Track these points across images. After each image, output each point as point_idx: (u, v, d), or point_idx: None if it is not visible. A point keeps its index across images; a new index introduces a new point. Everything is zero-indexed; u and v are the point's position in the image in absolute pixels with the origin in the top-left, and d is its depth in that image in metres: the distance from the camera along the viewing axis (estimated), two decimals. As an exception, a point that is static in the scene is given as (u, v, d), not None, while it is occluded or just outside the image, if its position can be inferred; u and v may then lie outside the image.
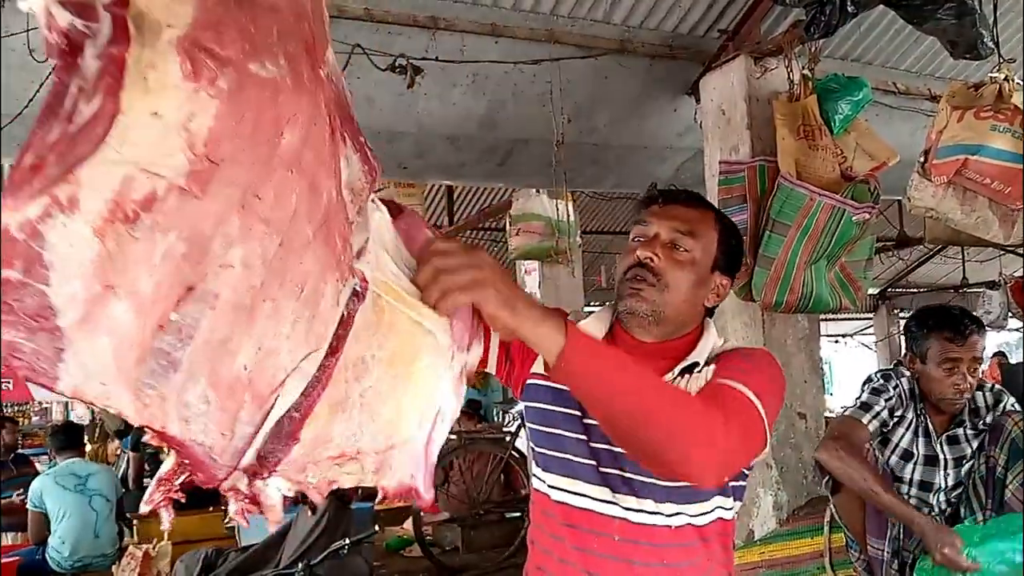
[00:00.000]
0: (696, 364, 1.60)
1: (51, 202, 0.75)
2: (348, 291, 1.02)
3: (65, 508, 5.48)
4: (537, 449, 1.67)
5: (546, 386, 1.64)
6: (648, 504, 1.54)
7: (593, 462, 1.58)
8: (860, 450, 2.79)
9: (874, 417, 2.84)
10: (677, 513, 1.55)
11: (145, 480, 7.18)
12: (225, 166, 0.85)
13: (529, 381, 1.68)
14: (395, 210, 1.19)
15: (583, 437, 1.59)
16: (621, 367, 1.25)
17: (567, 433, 1.61)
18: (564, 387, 1.38)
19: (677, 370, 1.59)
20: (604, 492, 1.56)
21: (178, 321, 0.85)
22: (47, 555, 5.49)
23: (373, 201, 1.11)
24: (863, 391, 2.95)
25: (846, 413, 2.97)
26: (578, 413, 1.60)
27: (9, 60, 3.19)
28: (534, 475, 1.70)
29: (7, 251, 0.74)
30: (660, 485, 1.53)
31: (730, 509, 1.63)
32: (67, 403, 11.19)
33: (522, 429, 7.96)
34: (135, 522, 6.20)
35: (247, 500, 1.01)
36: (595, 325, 1.68)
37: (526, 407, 1.69)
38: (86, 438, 9.00)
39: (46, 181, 0.75)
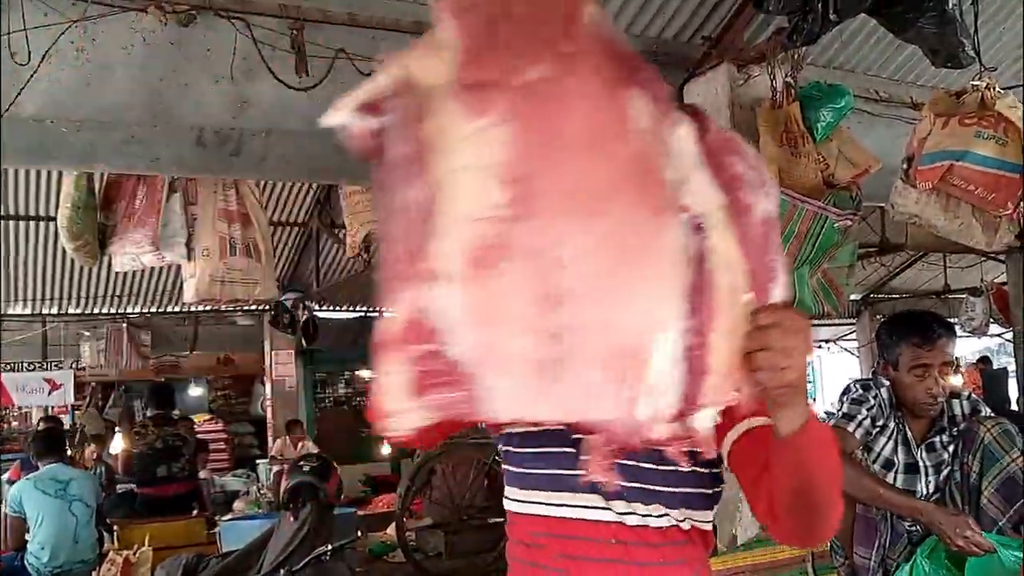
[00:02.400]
0: None
1: (421, 279, 0.90)
2: (685, 229, 1.06)
3: (44, 513, 5.43)
4: (521, 470, 1.68)
5: None
6: (639, 507, 1.58)
7: (579, 472, 1.58)
8: (852, 457, 2.80)
9: (858, 426, 2.85)
10: (664, 515, 1.58)
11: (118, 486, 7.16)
12: (534, 178, 0.93)
13: None
14: (699, 121, 1.18)
15: (572, 450, 1.59)
16: (832, 444, 1.40)
17: (555, 449, 1.62)
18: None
19: None
20: (596, 499, 1.59)
21: (548, 327, 0.94)
22: (26, 561, 5.44)
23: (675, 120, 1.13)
24: (843, 402, 2.95)
25: (830, 424, 2.97)
26: (563, 428, 1.60)
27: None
28: (513, 498, 1.71)
29: (411, 332, 0.89)
30: (648, 489, 1.58)
31: (710, 521, 1.67)
32: (47, 408, 11.09)
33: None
34: (115, 528, 6.15)
35: (683, 440, 1.13)
36: None
37: (508, 434, 1.69)
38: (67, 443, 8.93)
39: (410, 269, 0.90)
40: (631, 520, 1.58)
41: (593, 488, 1.58)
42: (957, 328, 3.17)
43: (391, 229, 0.93)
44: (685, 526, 1.60)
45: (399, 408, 0.92)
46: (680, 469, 1.59)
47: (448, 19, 0.97)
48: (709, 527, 1.67)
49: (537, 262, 0.93)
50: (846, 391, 3.00)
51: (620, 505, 1.58)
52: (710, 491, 1.64)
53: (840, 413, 2.92)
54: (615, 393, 1.01)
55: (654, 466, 1.58)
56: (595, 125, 0.97)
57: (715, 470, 1.64)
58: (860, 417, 2.85)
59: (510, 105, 0.93)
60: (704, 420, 1.13)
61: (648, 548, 1.58)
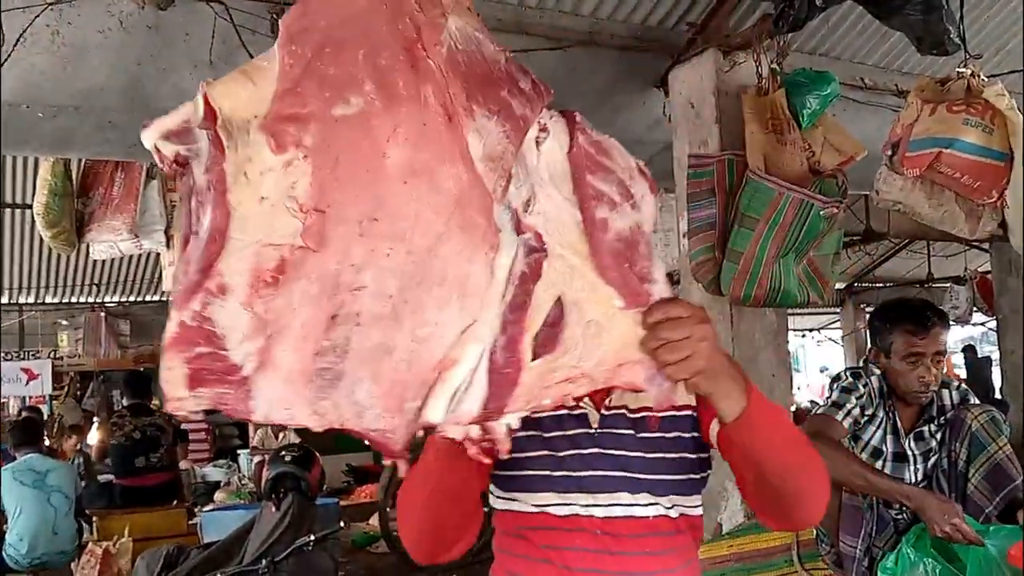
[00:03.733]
0: None
1: (206, 294, 0.97)
2: (511, 253, 1.12)
3: (23, 504, 5.38)
4: (501, 473, 1.66)
5: None
6: (624, 497, 1.57)
7: (562, 472, 1.60)
8: (839, 444, 2.79)
9: (847, 415, 2.83)
10: (652, 503, 1.58)
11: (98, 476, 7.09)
12: (333, 209, 0.99)
13: None
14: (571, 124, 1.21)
15: (548, 453, 1.61)
16: (784, 428, 1.46)
17: (532, 453, 1.62)
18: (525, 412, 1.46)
19: None
20: (581, 497, 1.59)
21: (331, 344, 1.02)
22: (4, 552, 5.39)
23: (541, 132, 1.16)
24: (833, 390, 2.94)
25: (818, 411, 2.96)
26: (536, 433, 1.62)
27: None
28: (496, 495, 1.70)
29: (192, 336, 0.98)
30: (632, 478, 1.58)
31: (699, 505, 1.67)
32: (24, 398, 10.97)
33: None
34: (95, 519, 6.10)
35: (482, 441, 1.19)
36: None
37: None
38: (45, 433, 8.84)
39: (199, 281, 0.97)
40: (616, 511, 1.57)
41: (577, 484, 1.59)
42: (940, 316, 3.20)
43: (186, 247, 1.01)
44: (673, 514, 1.60)
45: (177, 396, 1.00)
46: (667, 456, 1.60)
47: (278, 47, 1.01)
48: (699, 511, 1.66)
49: (324, 286, 1.01)
50: (836, 379, 2.99)
51: (603, 497, 1.58)
52: (698, 476, 1.65)
53: (829, 401, 2.91)
54: (392, 406, 1.08)
55: (641, 454, 1.59)
56: (416, 154, 1.02)
57: (703, 455, 1.64)
58: (849, 406, 2.84)
59: (320, 138, 0.98)
60: (500, 426, 1.18)
61: (633, 539, 1.57)
